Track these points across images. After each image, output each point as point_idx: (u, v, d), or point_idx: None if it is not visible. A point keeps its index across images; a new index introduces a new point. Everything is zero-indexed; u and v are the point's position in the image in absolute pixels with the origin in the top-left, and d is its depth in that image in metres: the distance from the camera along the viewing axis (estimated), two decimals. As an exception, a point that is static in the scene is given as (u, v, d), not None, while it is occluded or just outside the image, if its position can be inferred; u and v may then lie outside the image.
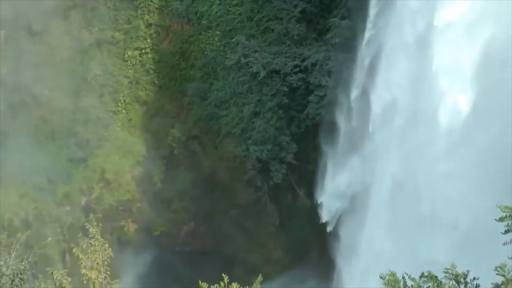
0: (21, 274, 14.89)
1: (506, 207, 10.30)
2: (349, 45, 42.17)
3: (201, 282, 13.51)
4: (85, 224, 16.64)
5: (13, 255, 14.72)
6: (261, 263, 45.48)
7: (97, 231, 15.53)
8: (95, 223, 15.80)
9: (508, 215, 10.32)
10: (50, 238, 41.49)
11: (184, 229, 49.19)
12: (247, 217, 47.65)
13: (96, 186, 49.01)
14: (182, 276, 45.80)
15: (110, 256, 15.55)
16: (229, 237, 48.01)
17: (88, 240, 16.07)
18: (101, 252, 15.35)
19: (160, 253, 47.70)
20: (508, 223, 10.34)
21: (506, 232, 10.39)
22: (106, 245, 15.52)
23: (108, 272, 15.38)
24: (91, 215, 46.79)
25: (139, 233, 49.11)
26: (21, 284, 15.00)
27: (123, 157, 49.77)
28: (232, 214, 48.17)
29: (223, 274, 12.38)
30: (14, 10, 49.64)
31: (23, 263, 14.90)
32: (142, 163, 49.63)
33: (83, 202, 49.29)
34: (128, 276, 44.58)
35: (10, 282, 14.97)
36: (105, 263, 15.23)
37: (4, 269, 14.94)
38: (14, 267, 14.90)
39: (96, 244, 15.49)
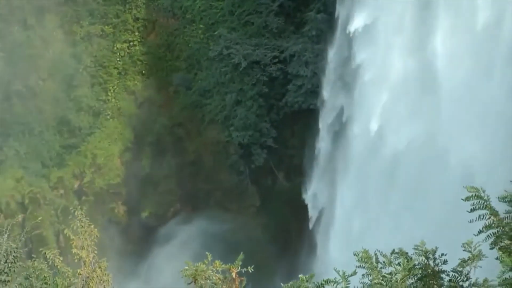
0: (14, 252, 14.74)
1: (471, 187, 10.20)
2: (325, 37, 42.14)
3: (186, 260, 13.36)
4: (71, 208, 16.53)
5: (6, 236, 14.57)
6: (243, 242, 45.37)
7: (81, 214, 15.44)
8: (79, 206, 15.72)
9: (473, 195, 10.21)
10: (40, 218, 41.20)
11: (171, 211, 49.07)
12: (230, 199, 47.59)
13: (87, 171, 48.91)
14: (169, 255, 45.62)
15: (97, 236, 15.48)
16: (213, 217, 47.88)
17: (78, 221, 15.96)
18: (87, 233, 15.26)
19: (148, 233, 47.55)
20: (473, 202, 10.24)
21: (472, 210, 10.29)
22: (92, 226, 15.45)
23: (96, 252, 15.31)
24: (83, 198, 47.22)
25: (128, 214, 48.97)
26: (14, 262, 14.85)
27: (113, 143, 49.71)
28: (216, 196, 48.09)
29: (206, 253, 12.19)
30: (10, 5, 49.31)
31: (16, 242, 14.77)
32: (131, 149, 49.62)
33: (75, 186, 49.14)
34: (117, 254, 44.38)
35: (5, 260, 14.83)
36: (92, 243, 15.15)
37: (-3, 248, 14.79)
38: (7, 247, 14.75)
39: (82, 226, 15.40)
